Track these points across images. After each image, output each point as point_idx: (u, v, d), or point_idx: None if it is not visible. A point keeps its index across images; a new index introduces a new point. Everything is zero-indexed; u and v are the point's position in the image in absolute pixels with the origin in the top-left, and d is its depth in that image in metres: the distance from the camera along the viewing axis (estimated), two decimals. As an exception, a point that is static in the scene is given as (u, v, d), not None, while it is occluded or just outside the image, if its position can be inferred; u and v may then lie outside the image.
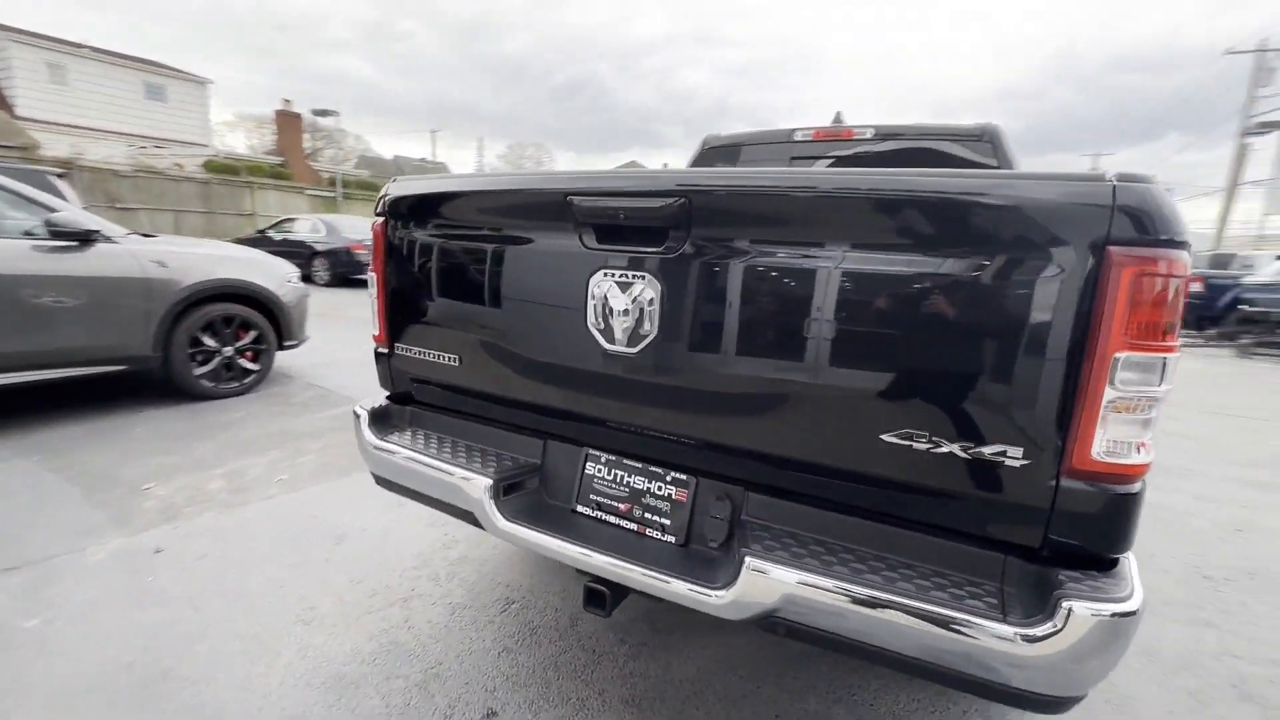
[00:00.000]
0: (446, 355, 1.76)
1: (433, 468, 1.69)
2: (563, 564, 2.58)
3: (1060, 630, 1.01)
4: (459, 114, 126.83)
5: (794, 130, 3.22)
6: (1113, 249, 1.00)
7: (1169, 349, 1.03)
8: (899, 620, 1.12)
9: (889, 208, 1.18)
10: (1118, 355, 1.02)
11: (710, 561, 1.42)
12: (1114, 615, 1.02)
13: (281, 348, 5.07)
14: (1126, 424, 1.05)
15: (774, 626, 1.27)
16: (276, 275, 5.02)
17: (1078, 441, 1.06)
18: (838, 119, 3.23)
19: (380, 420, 1.92)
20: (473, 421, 1.84)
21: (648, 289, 1.37)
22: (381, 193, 1.85)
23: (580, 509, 1.62)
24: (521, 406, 1.71)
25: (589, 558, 1.41)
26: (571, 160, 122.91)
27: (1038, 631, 1.02)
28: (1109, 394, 1.03)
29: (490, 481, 1.58)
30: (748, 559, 1.25)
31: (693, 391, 1.40)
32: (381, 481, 1.90)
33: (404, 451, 1.76)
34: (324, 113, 34.73)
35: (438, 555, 2.65)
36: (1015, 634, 1.03)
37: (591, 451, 1.64)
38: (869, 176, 1.22)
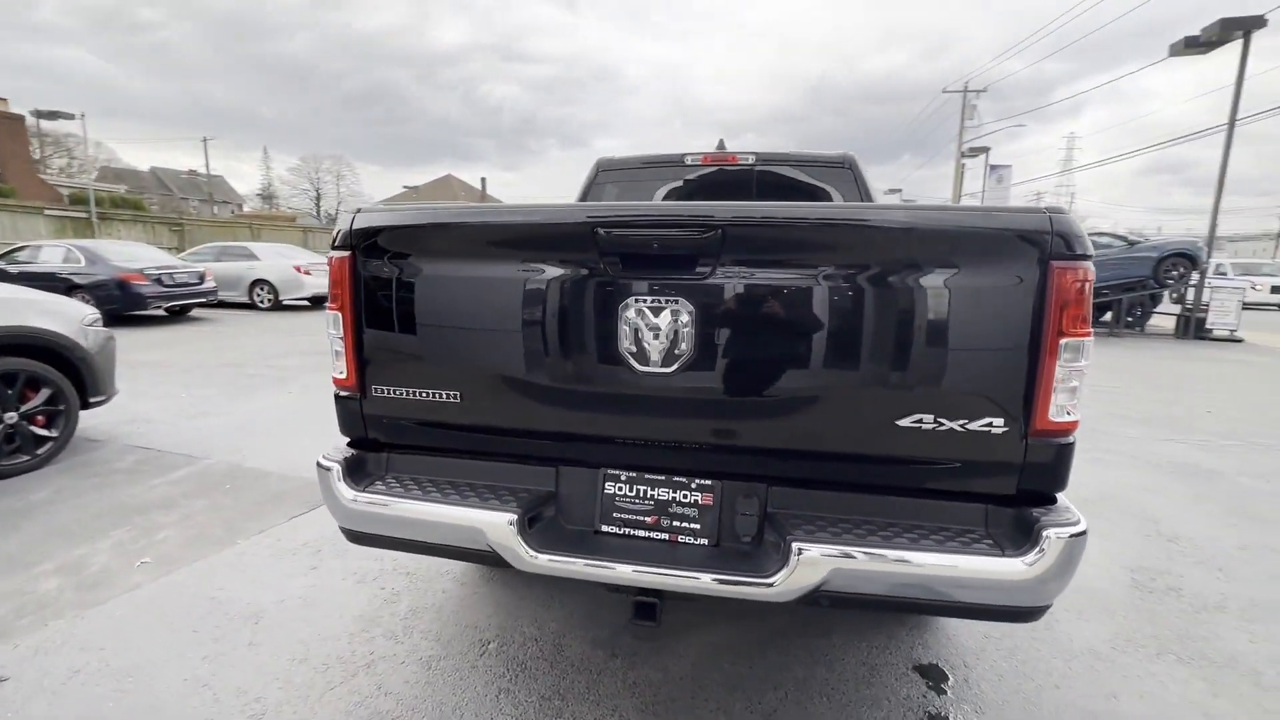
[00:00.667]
0: (445, 393, 1.67)
1: (442, 513, 1.60)
2: (521, 593, 2.54)
3: (1044, 553, 1.33)
4: (233, 121, 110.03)
5: (684, 155, 3.49)
6: (1053, 262, 1.34)
7: (1088, 334, 1.40)
8: (931, 572, 1.36)
9: (892, 235, 1.43)
10: (1061, 341, 1.37)
11: (746, 555, 1.56)
12: (1073, 536, 1.36)
13: (86, 406, 4.15)
14: (1066, 392, 1.41)
15: (818, 600, 1.44)
16: (72, 319, 4.09)
17: (1038, 409, 1.40)
18: (720, 146, 3.58)
19: (356, 471, 1.75)
20: (468, 459, 1.76)
21: (682, 312, 1.47)
22: (344, 223, 1.69)
23: (605, 529, 1.65)
24: (536, 436, 1.69)
25: (642, 574, 1.47)
26: (378, 174, 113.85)
27: (1032, 557, 1.33)
28: (1058, 371, 1.38)
29: (515, 516, 1.55)
30: (794, 545, 1.41)
31: (728, 403, 1.53)
32: (360, 538, 1.73)
33: (399, 501, 1.64)
34: (52, 114, 28.34)
35: (383, 611, 2.43)
36: (1022, 563, 1.32)
37: (609, 471, 1.68)
38: (879, 211, 1.47)
